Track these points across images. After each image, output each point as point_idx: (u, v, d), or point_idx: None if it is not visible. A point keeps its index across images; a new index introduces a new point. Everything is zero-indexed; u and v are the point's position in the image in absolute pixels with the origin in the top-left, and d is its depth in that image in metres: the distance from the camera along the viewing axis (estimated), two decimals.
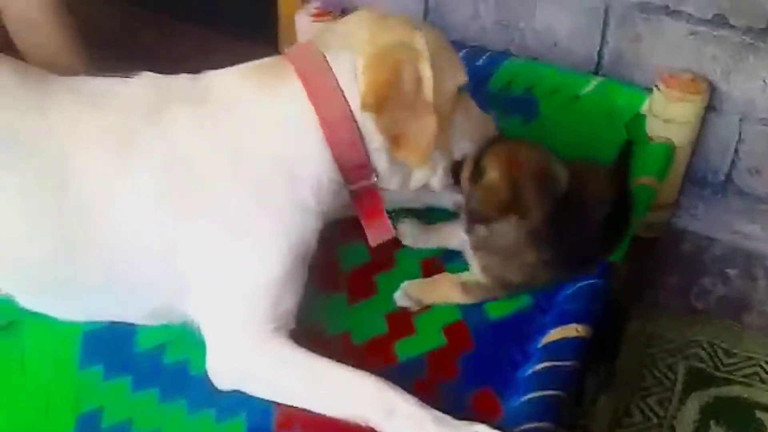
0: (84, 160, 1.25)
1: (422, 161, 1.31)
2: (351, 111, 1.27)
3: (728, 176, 1.85)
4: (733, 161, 1.84)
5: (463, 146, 1.40)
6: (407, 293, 1.41)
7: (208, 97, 1.29)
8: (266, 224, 1.26)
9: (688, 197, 1.89)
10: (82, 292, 1.31)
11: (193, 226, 1.24)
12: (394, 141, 1.28)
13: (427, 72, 1.26)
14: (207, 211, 1.25)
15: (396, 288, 1.42)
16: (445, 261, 1.49)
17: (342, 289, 1.44)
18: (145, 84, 1.32)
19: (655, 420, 1.71)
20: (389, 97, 1.25)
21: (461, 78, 1.35)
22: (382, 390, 1.20)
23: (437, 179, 1.41)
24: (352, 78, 1.27)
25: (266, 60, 1.34)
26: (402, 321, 1.40)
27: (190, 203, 1.25)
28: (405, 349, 1.35)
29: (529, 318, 1.40)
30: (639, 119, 1.77)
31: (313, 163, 1.28)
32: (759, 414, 1.70)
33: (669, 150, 1.74)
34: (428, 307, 1.42)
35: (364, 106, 1.25)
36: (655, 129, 1.75)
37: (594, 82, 1.84)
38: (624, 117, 1.76)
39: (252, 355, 1.24)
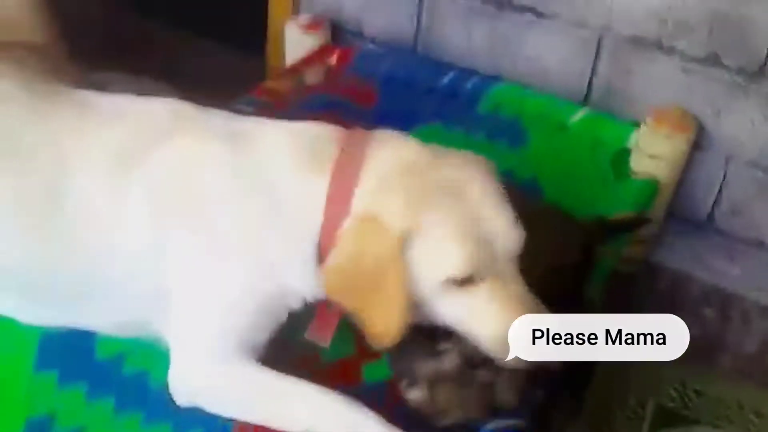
0: (83, 173, 1.24)
1: (381, 343, 1.21)
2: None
3: (710, 215, 1.85)
4: (716, 201, 1.83)
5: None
6: None
7: (243, 144, 1.25)
8: (251, 255, 1.23)
9: (669, 233, 1.87)
10: (59, 299, 1.29)
11: (182, 244, 1.23)
12: (357, 316, 1.22)
13: (390, 269, 1.15)
14: (197, 231, 1.23)
15: None
16: None
17: None
18: (166, 108, 1.30)
19: None
20: (343, 279, 1.19)
21: (452, 270, 1.16)
22: (346, 408, 1.19)
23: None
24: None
25: (321, 141, 1.25)
26: None
27: (183, 225, 1.23)
28: (372, 373, 1.34)
29: None
30: (624, 153, 1.76)
31: (300, 258, 1.23)
32: None
33: (652, 186, 1.73)
34: None
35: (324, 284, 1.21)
36: (640, 164, 1.75)
37: (582, 113, 1.83)
38: (609, 150, 1.76)
39: (216, 376, 1.22)
